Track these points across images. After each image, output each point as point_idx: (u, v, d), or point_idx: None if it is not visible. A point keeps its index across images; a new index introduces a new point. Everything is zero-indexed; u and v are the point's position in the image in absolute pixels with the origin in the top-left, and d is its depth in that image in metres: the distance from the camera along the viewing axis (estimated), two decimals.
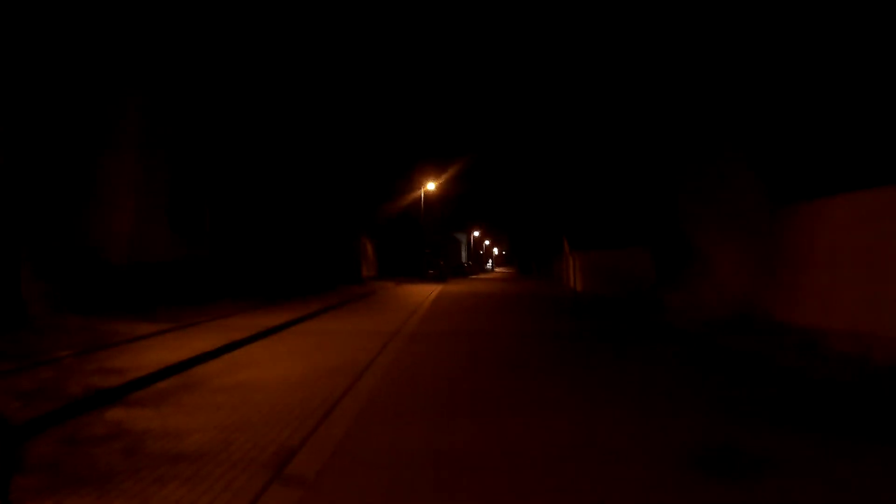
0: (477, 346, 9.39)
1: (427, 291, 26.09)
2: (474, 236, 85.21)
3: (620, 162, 18.65)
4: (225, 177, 17.51)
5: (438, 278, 39.91)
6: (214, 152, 16.88)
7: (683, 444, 4.36)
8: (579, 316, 15.06)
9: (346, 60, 28.59)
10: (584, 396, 5.98)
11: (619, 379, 6.95)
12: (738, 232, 13.44)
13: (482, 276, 61.94)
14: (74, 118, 13.15)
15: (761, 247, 12.84)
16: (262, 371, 7.27)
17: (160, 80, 14.34)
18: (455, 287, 31.56)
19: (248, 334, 9.65)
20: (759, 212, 12.91)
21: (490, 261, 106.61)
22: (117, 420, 5.08)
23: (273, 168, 21.13)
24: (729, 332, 10.78)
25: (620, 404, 5.60)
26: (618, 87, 17.35)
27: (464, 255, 78.45)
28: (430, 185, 39.31)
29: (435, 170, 41.80)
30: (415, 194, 40.61)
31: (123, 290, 12.98)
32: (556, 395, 6.09)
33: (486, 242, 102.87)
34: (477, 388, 6.37)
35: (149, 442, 4.50)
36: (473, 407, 5.60)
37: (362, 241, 38.53)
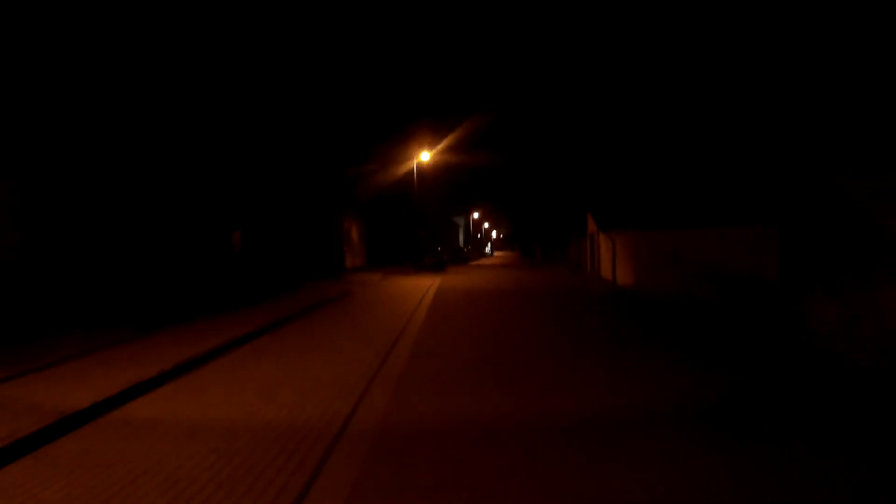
0: None
1: (420, 289, 19.87)
2: (473, 218, 78.60)
3: (701, 104, 12.42)
4: (120, 141, 11.14)
5: (436, 267, 33.71)
6: (102, 107, 10.50)
7: None
8: (677, 347, 8.90)
9: None
10: None
11: None
12: None
13: (483, 261, 55.76)
14: None
15: None
16: None
17: None
18: (456, 280, 25.30)
19: None
20: None
21: (489, 244, 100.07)
22: None
23: (208, 125, 14.72)
24: None
25: None
26: None
27: (461, 238, 72.11)
28: (425, 156, 32.77)
29: (430, 140, 35.30)
30: (408, 166, 34.11)
31: None
32: None
33: (486, 225, 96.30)
34: None
35: None
36: None
37: (345, 223, 32.07)
